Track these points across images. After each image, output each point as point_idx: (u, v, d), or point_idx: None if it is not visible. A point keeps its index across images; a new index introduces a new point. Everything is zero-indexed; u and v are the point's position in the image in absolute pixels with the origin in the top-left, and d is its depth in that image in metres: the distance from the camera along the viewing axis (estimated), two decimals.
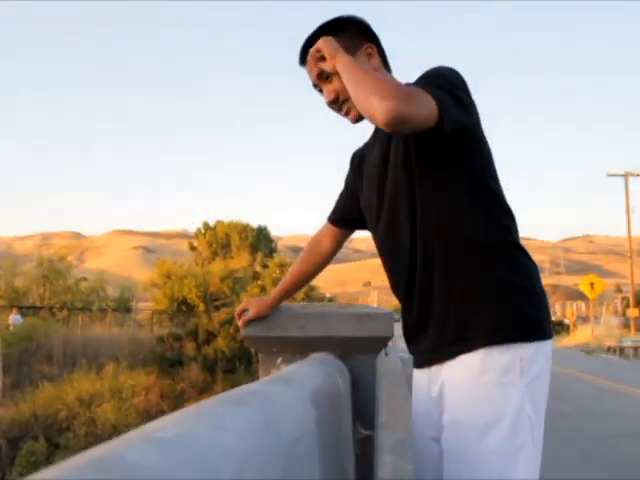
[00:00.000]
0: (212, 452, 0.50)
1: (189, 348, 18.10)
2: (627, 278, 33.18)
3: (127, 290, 29.19)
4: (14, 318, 18.33)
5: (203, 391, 15.37)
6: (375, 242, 1.67)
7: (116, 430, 11.49)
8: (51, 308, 21.26)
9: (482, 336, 1.40)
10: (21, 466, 10.65)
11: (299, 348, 1.75)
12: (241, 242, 33.48)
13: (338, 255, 2.02)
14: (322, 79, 1.57)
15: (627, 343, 22.57)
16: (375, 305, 14.01)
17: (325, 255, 1.89)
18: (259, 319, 1.80)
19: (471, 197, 1.46)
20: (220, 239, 34.11)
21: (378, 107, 1.26)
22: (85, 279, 29.05)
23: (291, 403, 0.84)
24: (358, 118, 1.57)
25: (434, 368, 1.50)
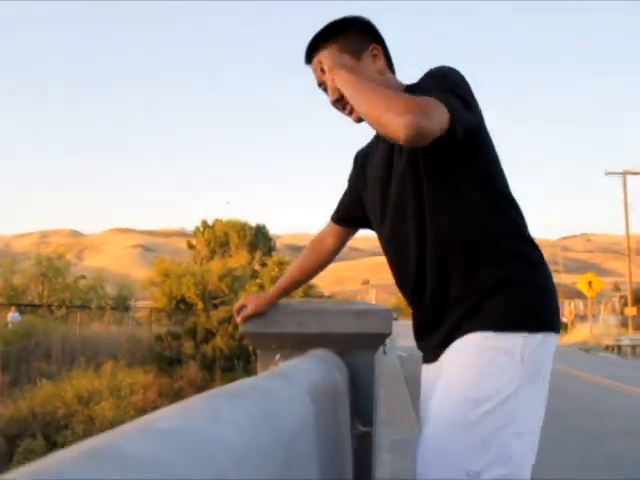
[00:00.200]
0: (210, 444, 0.50)
1: (187, 346, 18.12)
2: (625, 277, 33.25)
3: (126, 288, 29.22)
4: (12, 316, 18.35)
5: (201, 389, 15.29)
6: (380, 242, 1.68)
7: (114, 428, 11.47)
8: (49, 306, 21.25)
9: (489, 320, 1.41)
10: (19, 464, 10.60)
11: (297, 344, 1.75)
12: (240, 240, 33.51)
13: None
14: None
15: (625, 341, 22.62)
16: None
17: (328, 253, 1.90)
18: (258, 315, 1.80)
19: (477, 193, 1.47)
20: (219, 237, 34.14)
21: (397, 124, 1.26)
22: (84, 277, 29.07)
23: (290, 398, 0.84)
24: (361, 118, 1.57)
25: (441, 358, 1.52)
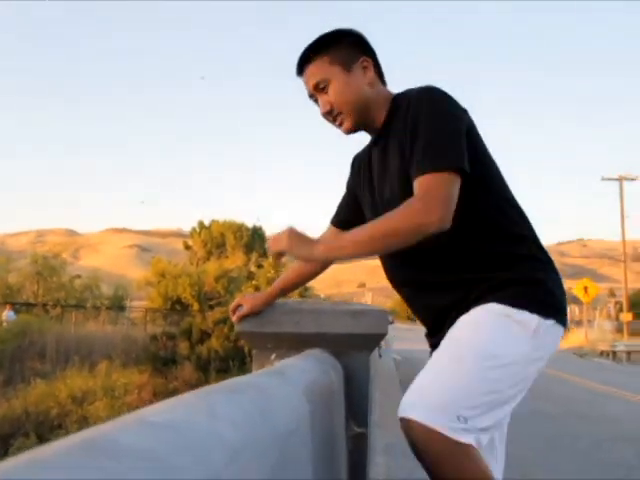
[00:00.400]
0: (206, 439, 0.49)
1: (183, 347, 18.07)
2: (621, 282, 33.28)
3: (121, 288, 29.18)
4: (7, 315, 18.29)
5: None
6: None
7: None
8: (45, 305, 21.19)
9: (505, 296, 1.44)
10: None
11: (293, 344, 1.75)
12: (236, 242, 33.46)
13: None
14: (318, 90, 1.60)
15: (620, 347, 22.61)
16: None
17: None
18: (253, 315, 1.80)
19: (473, 196, 1.49)
20: (215, 238, 34.09)
21: (430, 224, 1.33)
22: (79, 277, 28.99)
23: (285, 395, 0.83)
24: (351, 130, 1.62)
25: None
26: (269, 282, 19.03)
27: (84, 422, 12.40)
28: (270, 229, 37.70)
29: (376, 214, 1.64)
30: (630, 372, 16.69)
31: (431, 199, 1.34)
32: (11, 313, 18.50)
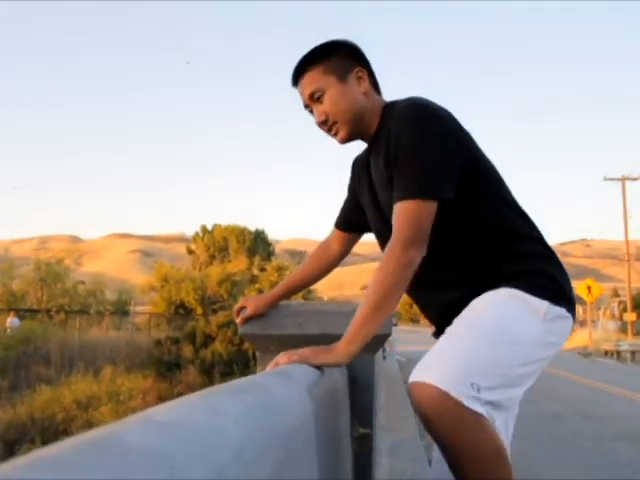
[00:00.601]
0: (210, 436, 0.50)
1: (187, 351, 18.07)
2: (624, 282, 33.24)
3: (125, 293, 29.18)
4: (11, 321, 18.31)
5: None
6: (380, 247, 1.70)
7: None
8: (48, 311, 21.20)
9: (518, 282, 1.46)
10: None
11: (297, 346, 1.75)
12: (239, 245, 33.48)
13: None
14: (313, 100, 1.61)
15: (624, 347, 22.55)
16: None
17: (332, 258, 1.92)
18: (257, 317, 1.80)
19: (473, 198, 1.51)
20: (218, 242, 34.12)
21: (414, 259, 1.38)
22: (83, 282, 29.01)
23: (289, 395, 0.84)
24: (346, 139, 1.63)
25: None
26: (272, 285, 19.02)
27: (89, 427, 12.34)
28: (270, 234, 37.50)
29: (379, 216, 1.66)
30: (634, 372, 16.65)
31: (406, 239, 1.38)
32: (15, 320, 18.52)
